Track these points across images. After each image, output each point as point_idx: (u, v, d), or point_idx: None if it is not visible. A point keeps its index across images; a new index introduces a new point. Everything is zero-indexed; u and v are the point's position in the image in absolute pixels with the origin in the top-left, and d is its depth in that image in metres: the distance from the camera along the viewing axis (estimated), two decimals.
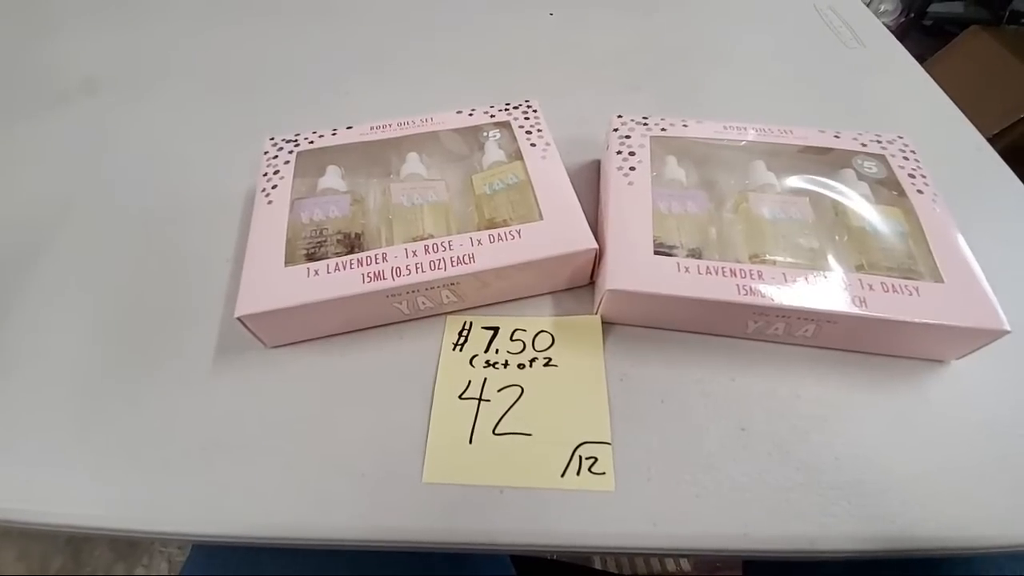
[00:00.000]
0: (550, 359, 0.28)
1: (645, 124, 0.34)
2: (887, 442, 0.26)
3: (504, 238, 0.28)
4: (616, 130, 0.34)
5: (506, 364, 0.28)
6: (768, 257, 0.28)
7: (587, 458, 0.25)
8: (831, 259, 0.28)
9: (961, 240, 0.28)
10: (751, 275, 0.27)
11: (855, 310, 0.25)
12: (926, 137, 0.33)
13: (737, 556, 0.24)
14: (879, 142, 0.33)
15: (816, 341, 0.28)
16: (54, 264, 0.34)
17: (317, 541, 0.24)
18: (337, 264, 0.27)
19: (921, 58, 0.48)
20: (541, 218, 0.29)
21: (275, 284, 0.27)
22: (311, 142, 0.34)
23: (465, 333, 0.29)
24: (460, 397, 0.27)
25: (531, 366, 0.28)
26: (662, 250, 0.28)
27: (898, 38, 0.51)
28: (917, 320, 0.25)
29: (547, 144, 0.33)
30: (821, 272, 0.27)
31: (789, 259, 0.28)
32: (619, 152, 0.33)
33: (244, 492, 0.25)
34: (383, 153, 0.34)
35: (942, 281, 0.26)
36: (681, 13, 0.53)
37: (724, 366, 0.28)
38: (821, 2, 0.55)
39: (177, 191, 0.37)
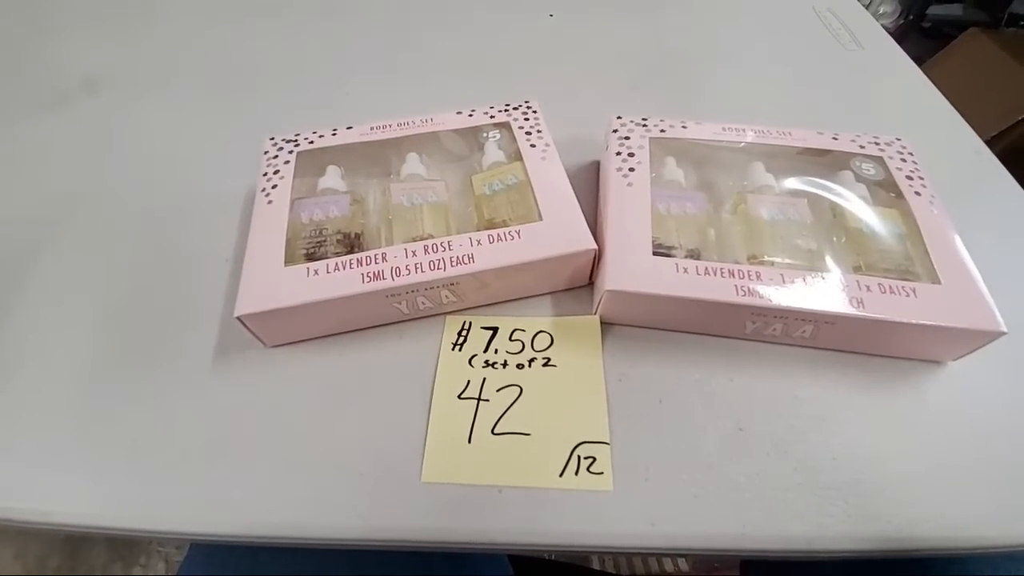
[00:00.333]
0: (549, 359, 0.28)
1: (644, 125, 0.34)
2: (884, 442, 0.26)
3: (503, 238, 0.28)
4: (615, 131, 0.34)
5: (505, 364, 0.28)
6: (766, 258, 0.28)
7: (585, 458, 0.25)
8: (829, 260, 0.28)
9: (958, 242, 0.28)
10: (749, 276, 0.27)
11: (853, 311, 0.25)
12: (924, 139, 0.33)
13: (735, 556, 0.24)
14: (877, 144, 0.33)
15: (814, 342, 0.28)
16: (54, 263, 0.34)
17: (315, 541, 0.24)
18: (337, 264, 0.27)
19: (920, 60, 0.48)
20: (540, 219, 0.29)
21: (275, 284, 0.27)
22: (311, 142, 0.34)
23: (464, 333, 0.29)
24: (459, 397, 0.27)
25: (530, 366, 0.28)
26: (661, 251, 0.28)
27: (897, 40, 0.51)
28: (914, 321, 0.25)
29: (547, 145, 0.33)
30: (819, 273, 0.27)
31: (787, 260, 0.28)
32: (618, 153, 0.33)
33: (243, 491, 0.25)
34: (383, 153, 0.34)
35: (939, 282, 0.26)
36: (680, 15, 0.53)
37: (722, 366, 0.28)
38: (820, 4, 0.55)
39: (177, 191, 0.37)
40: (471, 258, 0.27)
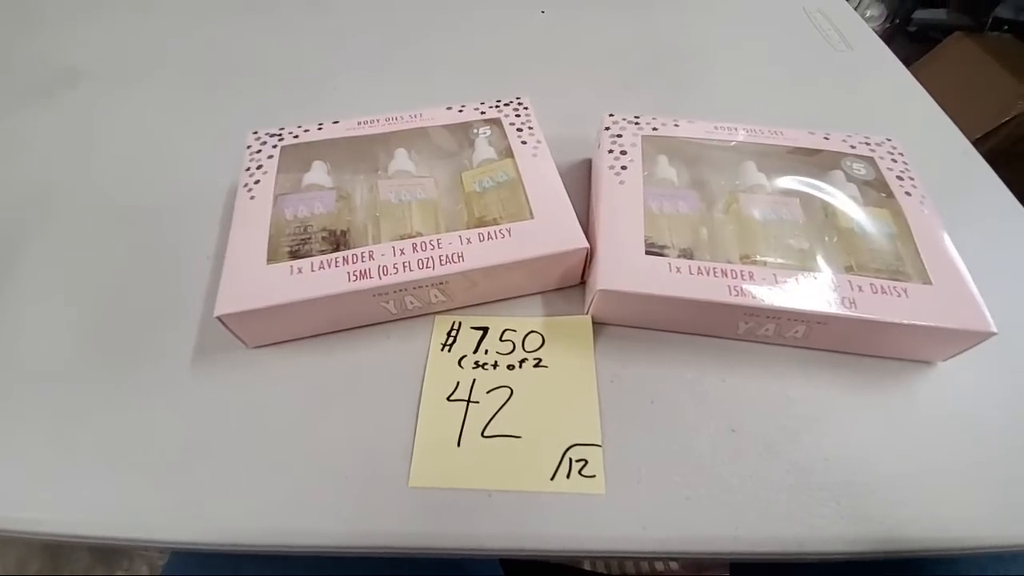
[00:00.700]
0: (540, 360, 0.28)
1: (637, 123, 0.34)
2: (876, 443, 0.26)
3: (494, 237, 0.28)
4: (607, 129, 0.34)
5: (495, 365, 0.28)
6: (759, 258, 0.28)
7: (577, 460, 0.25)
8: (821, 260, 0.28)
9: (948, 242, 0.28)
10: (742, 276, 0.26)
11: (845, 311, 0.25)
12: (913, 139, 0.34)
13: (728, 558, 0.24)
14: (868, 144, 0.33)
15: (806, 342, 0.28)
16: (31, 260, 0.32)
17: (299, 548, 0.23)
18: (322, 262, 0.27)
19: (906, 63, 0.49)
20: (532, 217, 0.29)
21: (257, 282, 0.26)
22: (296, 136, 0.33)
23: (454, 333, 0.29)
24: (448, 399, 0.26)
25: (521, 367, 0.28)
26: (653, 250, 0.28)
27: (884, 43, 0.51)
28: (906, 322, 0.25)
29: (538, 142, 0.32)
30: (811, 273, 0.27)
31: (779, 260, 0.28)
32: (611, 151, 0.32)
33: (224, 497, 0.24)
34: (371, 149, 0.33)
35: (930, 283, 0.26)
36: (672, 13, 0.53)
37: (715, 367, 0.28)
38: (810, 5, 0.55)
39: (158, 186, 0.36)
40: (461, 257, 0.27)
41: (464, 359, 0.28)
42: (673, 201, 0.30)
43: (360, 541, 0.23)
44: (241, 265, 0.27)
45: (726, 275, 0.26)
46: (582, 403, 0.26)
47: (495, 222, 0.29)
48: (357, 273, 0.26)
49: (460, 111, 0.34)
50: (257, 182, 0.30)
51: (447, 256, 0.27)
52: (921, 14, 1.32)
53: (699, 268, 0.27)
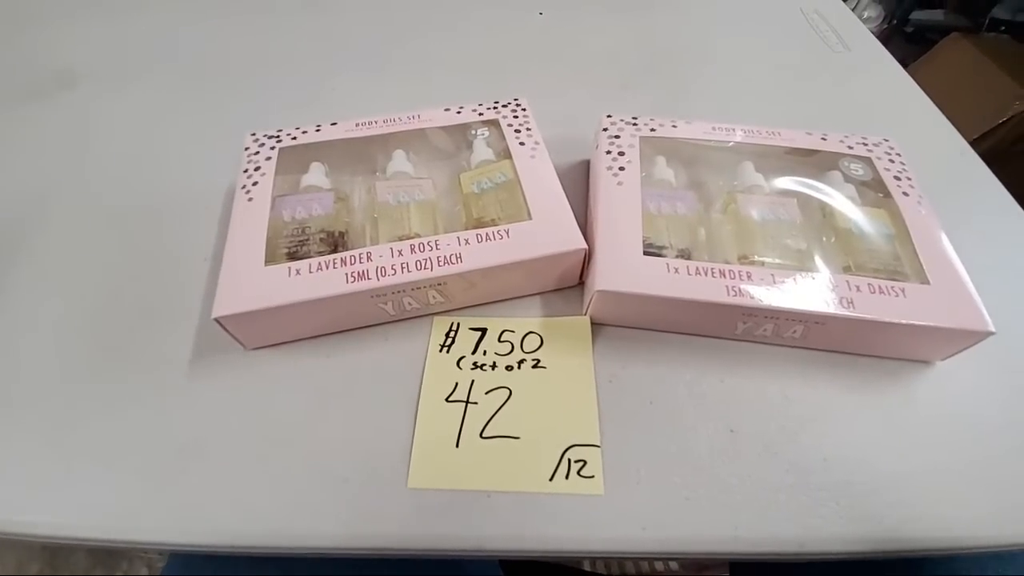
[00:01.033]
0: (539, 361, 0.28)
1: (634, 124, 0.34)
2: (874, 443, 0.26)
3: (492, 238, 0.28)
4: (605, 130, 0.34)
5: (494, 366, 0.28)
6: (757, 258, 0.28)
7: (576, 461, 0.25)
8: (818, 260, 0.28)
9: (946, 242, 0.28)
10: (740, 276, 0.26)
11: (842, 311, 0.25)
12: (911, 140, 0.34)
13: (727, 558, 0.24)
14: (865, 144, 0.33)
15: (804, 342, 0.28)
16: (26, 263, 0.32)
17: (298, 550, 0.23)
18: (320, 263, 0.27)
19: (903, 64, 0.49)
20: (530, 218, 0.29)
21: (255, 284, 0.26)
22: (294, 138, 0.33)
23: (452, 334, 0.29)
24: (447, 400, 0.26)
25: (519, 368, 0.28)
26: (651, 251, 0.28)
27: (881, 44, 0.52)
28: (904, 321, 0.25)
29: (536, 143, 0.32)
30: (809, 273, 0.27)
31: (777, 260, 0.28)
32: (608, 152, 0.32)
33: (222, 499, 0.24)
34: (368, 150, 0.33)
35: (928, 283, 0.26)
36: (670, 15, 0.53)
37: (713, 367, 0.28)
38: (807, 6, 0.55)
39: (155, 188, 0.36)
40: (459, 258, 0.27)
41: (462, 360, 0.28)
42: (671, 202, 0.30)
43: (359, 542, 0.23)
44: (239, 267, 0.27)
45: (724, 275, 0.26)
46: (581, 404, 0.26)
47: (493, 223, 0.29)
48: (355, 274, 0.26)
49: (458, 112, 0.34)
50: (255, 184, 0.30)
51: (445, 257, 0.27)
52: (918, 15, 1.32)
53: (697, 268, 0.27)
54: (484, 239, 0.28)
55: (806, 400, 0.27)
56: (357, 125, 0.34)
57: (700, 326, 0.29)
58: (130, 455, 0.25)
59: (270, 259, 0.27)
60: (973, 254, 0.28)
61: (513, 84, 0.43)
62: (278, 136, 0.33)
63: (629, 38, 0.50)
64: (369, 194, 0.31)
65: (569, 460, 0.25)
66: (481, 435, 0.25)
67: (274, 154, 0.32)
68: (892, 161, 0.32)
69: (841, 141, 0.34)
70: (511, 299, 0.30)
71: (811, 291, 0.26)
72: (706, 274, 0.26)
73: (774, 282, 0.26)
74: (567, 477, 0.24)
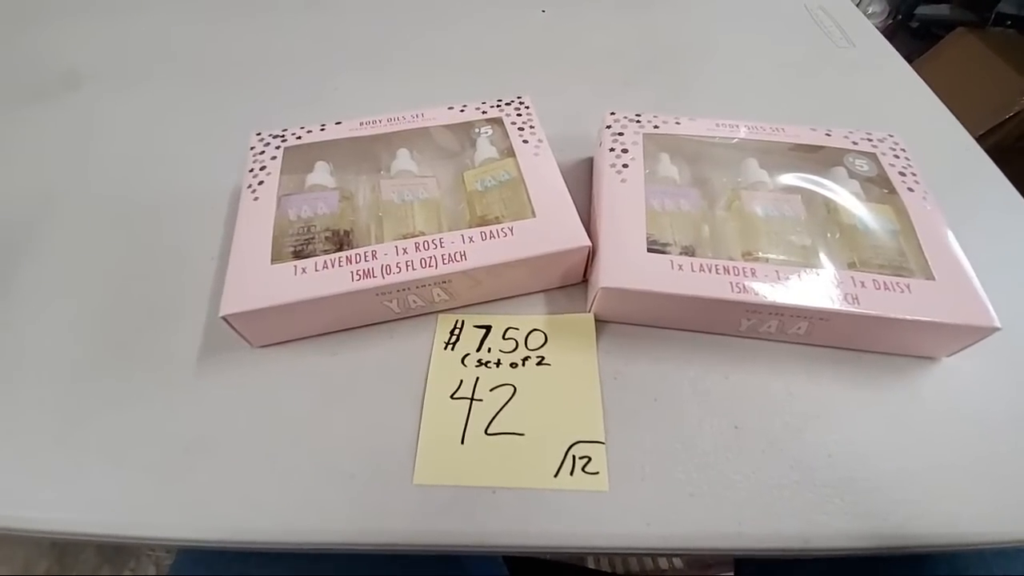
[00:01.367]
0: (543, 358, 0.28)
1: (638, 121, 0.34)
2: (879, 439, 0.26)
3: (496, 236, 0.28)
4: (609, 127, 0.34)
5: (498, 363, 0.28)
6: (761, 254, 0.28)
7: (580, 458, 0.25)
8: (823, 256, 0.28)
9: (951, 237, 0.28)
10: (744, 272, 0.26)
11: (847, 307, 0.25)
12: (916, 135, 0.33)
13: (732, 554, 0.24)
14: (870, 140, 0.33)
15: (809, 339, 0.28)
16: (34, 262, 0.33)
17: (305, 545, 0.23)
18: (325, 262, 0.27)
19: (908, 59, 0.49)
20: (534, 215, 0.29)
21: (261, 282, 0.26)
22: (299, 137, 0.33)
23: (457, 332, 0.29)
24: (452, 397, 0.27)
25: (524, 365, 0.28)
26: (655, 247, 0.28)
27: (886, 39, 0.51)
28: (909, 317, 0.25)
29: (539, 141, 0.33)
30: (813, 269, 0.27)
31: (782, 256, 0.28)
32: (612, 149, 0.32)
33: (229, 495, 0.24)
34: (373, 149, 0.33)
35: (933, 278, 0.26)
36: (673, 11, 0.53)
37: (717, 364, 0.28)
38: (811, 1, 0.55)
39: (162, 187, 0.36)
40: (463, 255, 0.27)
41: (467, 357, 0.28)
42: (675, 198, 0.30)
43: (365, 538, 0.23)
44: (246, 265, 0.27)
45: (728, 272, 0.26)
46: (585, 400, 0.26)
47: (497, 221, 0.29)
48: (360, 273, 0.26)
49: (462, 111, 0.35)
50: (261, 183, 0.30)
51: (450, 255, 0.27)
52: (924, 10, 1.31)
53: (701, 265, 0.27)
54: (488, 237, 0.28)
55: (810, 396, 0.27)
56: (361, 124, 0.34)
57: (704, 323, 0.29)
58: (138, 452, 0.25)
59: (276, 258, 0.27)
60: (979, 250, 0.28)
61: (516, 82, 0.43)
62: (283, 136, 0.33)
63: (632, 35, 0.50)
64: (374, 193, 0.31)
65: (573, 457, 0.25)
66: (486, 432, 0.25)
67: (279, 153, 0.32)
68: (897, 157, 0.32)
69: (846, 137, 0.33)
70: (515, 296, 0.30)
71: (816, 287, 0.26)
72: (710, 271, 0.26)
73: (778, 278, 0.26)
74: (572, 474, 0.24)
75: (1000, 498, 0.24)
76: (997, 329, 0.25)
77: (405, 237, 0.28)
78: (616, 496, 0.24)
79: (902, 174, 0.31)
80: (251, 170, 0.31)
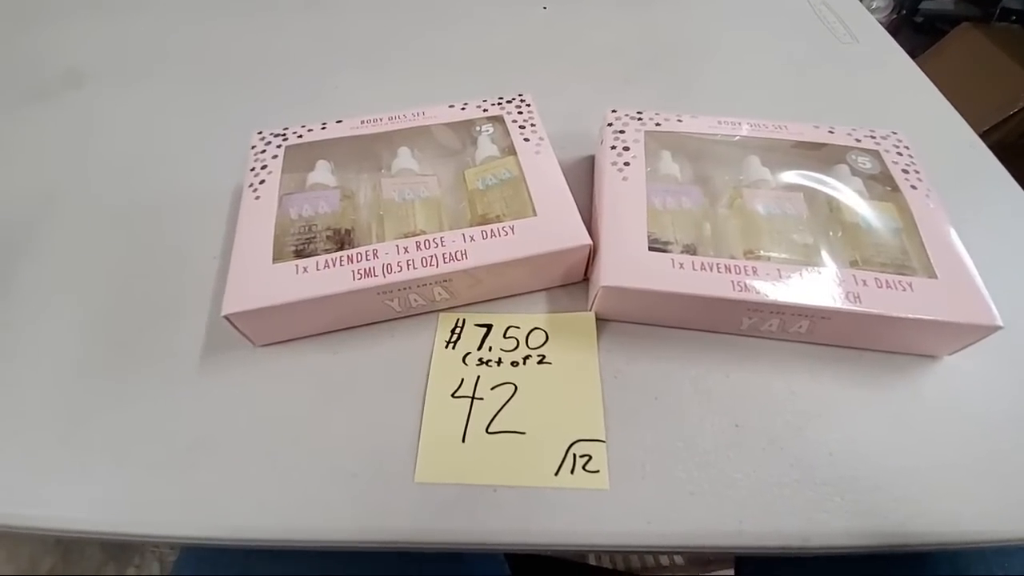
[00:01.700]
0: (544, 356, 0.28)
1: (639, 119, 0.34)
2: (880, 438, 0.26)
3: (497, 234, 0.28)
4: (610, 125, 0.34)
5: (499, 362, 0.28)
6: (763, 253, 0.28)
7: (581, 456, 0.25)
8: (825, 255, 0.28)
9: (954, 235, 0.28)
10: (745, 271, 0.26)
11: (849, 306, 0.25)
12: (919, 132, 0.33)
13: (732, 552, 0.24)
14: (873, 137, 0.33)
15: (810, 337, 0.28)
16: (36, 261, 0.33)
17: (307, 543, 0.23)
18: (327, 261, 0.27)
19: (912, 55, 0.48)
20: (535, 214, 0.29)
21: (263, 281, 0.26)
22: (300, 136, 0.33)
23: (458, 330, 0.29)
24: (453, 395, 0.27)
25: (525, 364, 0.28)
26: (657, 246, 0.28)
27: (890, 35, 0.51)
28: (911, 316, 0.25)
29: (540, 139, 0.32)
30: (815, 268, 0.27)
31: (783, 255, 0.28)
32: (613, 147, 0.32)
33: (231, 493, 0.24)
34: (374, 148, 0.33)
35: (935, 277, 0.26)
36: (675, 7, 0.53)
37: (718, 362, 0.28)
38: None
39: (163, 187, 0.37)
40: (464, 254, 0.27)
41: (468, 356, 0.28)
42: (676, 197, 0.30)
43: (367, 536, 0.23)
44: (247, 265, 0.27)
45: (729, 271, 0.26)
46: (586, 399, 0.27)
47: (498, 219, 0.29)
48: (361, 272, 0.26)
49: (463, 109, 0.34)
50: (262, 182, 0.30)
51: (450, 254, 0.27)
52: (928, 4, 1.30)
53: (702, 264, 0.27)
54: (489, 236, 0.28)
55: (812, 395, 0.27)
56: (362, 123, 0.34)
57: (705, 321, 0.29)
58: (141, 450, 0.25)
59: (278, 257, 0.27)
60: (982, 247, 0.27)
61: (517, 79, 0.43)
62: (284, 135, 0.33)
63: (633, 32, 0.50)
64: (375, 191, 0.31)
65: (574, 455, 0.25)
66: (487, 430, 0.26)
67: (280, 152, 0.32)
68: (900, 154, 0.32)
69: (848, 134, 0.33)
70: (516, 295, 0.30)
71: (817, 286, 0.26)
72: (711, 269, 0.26)
73: (780, 277, 0.26)
74: (572, 472, 0.24)
75: (1001, 496, 0.24)
76: (999, 328, 0.25)
77: (406, 236, 0.28)
78: (616, 494, 0.24)
79: (905, 171, 0.31)
80: (252, 169, 0.31)
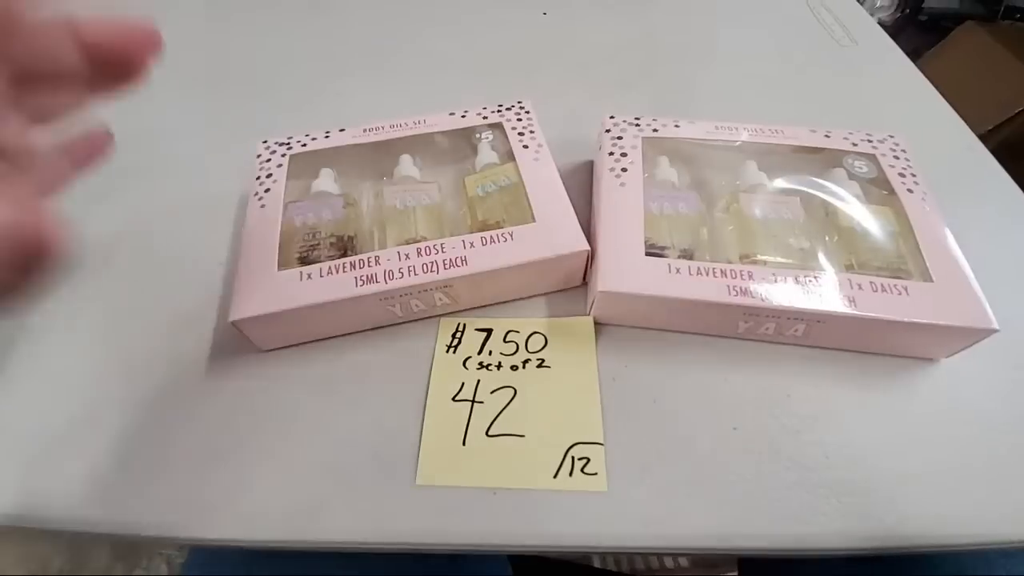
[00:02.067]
0: (543, 360, 0.28)
1: (637, 125, 0.34)
2: (877, 440, 0.26)
3: (497, 240, 0.28)
4: (608, 131, 0.34)
5: (499, 366, 0.28)
6: (759, 257, 0.28)
7: (580, 459, 0.25)
8: (821, 259, 0.28)
9: (951, 239, 0.28)
10: (742, 275, 0.27)
11: (845, 310, 0.25)
12: (917, 135, 0.33)
13: (729, 555, 0.24)
14: (870, 141, 0.33)
15: (807, 340, 0.28)
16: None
17: (310, 545, 0.24)
18: (330, 267, 0.27)
19: (916, 54, 0.49)
20: (534, 220, 0.29)
21: (269, 288, 0.27)
22: (304, 145, 0.34)
23: (458, 335, 0.30)
24: (453, 399, 0.27)
25: (524, 367, 0.28)
26: (654, 251, 0.28)
27: (894, 34, 0.51)
28: (906, 319, 0.25)
29: (539, 145, 0.33)
30: (811, 272, 0.27)
31: (780, 259, 0.28)
32: (611, 153, 0.33)
33: (237, 495, 0.25)
34: (376, 155, 0.34)
35: (931, 280, 0.27)
36: (673, 13, 0.53)
37: (716, 366, 0.28)
38: None
39: (169, 195, 0.37)
40: (464, 260, 0.27)
41: (468, 360, 0.29)
42: (673, 202, 0.31)
43: (370, 538, 0.24)
44: (253, 271, 0.28)
45: (725, 275, 0.27)
46: (584, 402, 0.27)
47: (498, 226, 0.29)
48: (364, 278, 0.27)
49: (463, 116, 0.35)
50: (267, 190, 0.31)
51: (451, 260, 0.27)
52: (932, 3, 1.29)
53: (699, 269, 0.27)
54: (489, 242, 0.28)
55: (809, 398, 0.27)
56: (365, 131, 0.34)
57: (702, 325, 0.29)
58: (149, 453, 0.26)
59: (283, 264, 0.28)
60: (979, 250, 0.28)
61: (517, 85, 0.43)
62: (288, 143, 0.34)
63: (632, 37, 0.50)
64: (377, 199, 0.32)
65: (573, 458, 0.25)
66: (487, 433, 0.26)
67: (285, 161, 0.33)
68: (897, 158, 0.32)
69: (845, 138, 0.34)
70: (516, 300, 0.31)
71: (813, 290, 0.26)
72: (707, 274, 0.27)
73: (776, 281, 0.26)
74: (571, 474, 0.25)
75: (999, 498, 0.24)
76: (995, 331, 0.25)
77: (407, 242, 0.29)
78: (615, 496, 0.24)
79: (902, 175, 0.31)
80: (258, 178, 0.32)
